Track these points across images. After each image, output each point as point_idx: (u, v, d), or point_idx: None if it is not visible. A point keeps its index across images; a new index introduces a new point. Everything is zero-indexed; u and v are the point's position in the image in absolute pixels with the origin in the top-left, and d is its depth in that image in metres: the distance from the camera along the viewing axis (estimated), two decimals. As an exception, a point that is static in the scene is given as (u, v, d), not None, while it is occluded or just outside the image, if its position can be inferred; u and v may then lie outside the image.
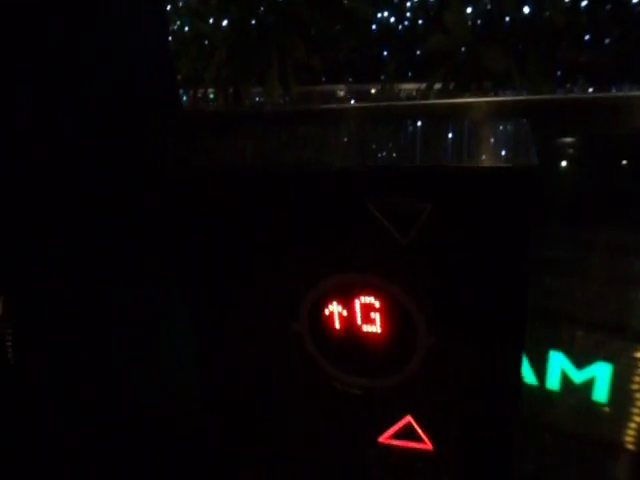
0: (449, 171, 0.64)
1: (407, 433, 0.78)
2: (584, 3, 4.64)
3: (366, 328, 0.74)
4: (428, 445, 0.78)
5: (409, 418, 0.77)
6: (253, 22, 3.62)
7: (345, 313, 0.74)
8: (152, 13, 1.22)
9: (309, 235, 0.72)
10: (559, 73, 4.46)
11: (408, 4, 5.19)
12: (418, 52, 4.12)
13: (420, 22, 4.35)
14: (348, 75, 4.24)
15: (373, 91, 4.20)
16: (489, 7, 4.03)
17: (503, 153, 0.72)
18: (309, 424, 0.82)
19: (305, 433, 0.83)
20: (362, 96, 3.99)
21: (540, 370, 1.26)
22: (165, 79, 1.26)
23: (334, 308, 0.74)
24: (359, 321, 0.74)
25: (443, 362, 0.72)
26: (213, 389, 0.86)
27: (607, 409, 2.58)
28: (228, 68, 3.78)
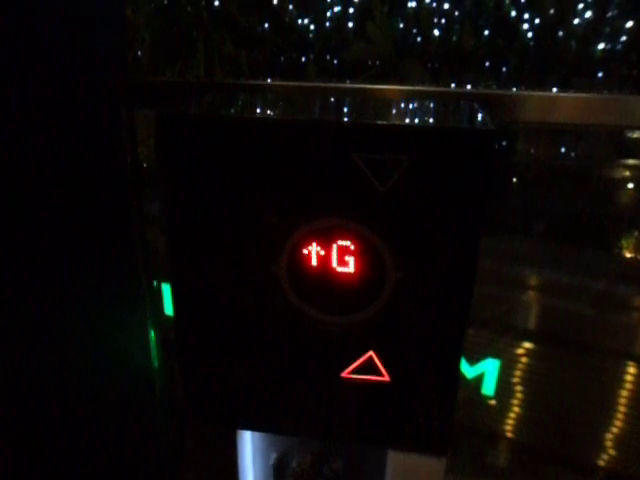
0: (426, 129, 0.75)
1: (368, 368, 0.88)
2: (486, 32, 5.10)
3: (340, 269, 0.83)
4: (386, 378, 0.88)
5: (371, 353, 0.87)
6: (182, 9, 3.60)
7: (322, 253, 0.82)
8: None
9: (294, 182, 0.80)
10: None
11: (329, 13, 5.40)
12: (339, 58, 4.30)
13: (342, 29, 4.55)
14: (271, 74, 4.33)
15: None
16: (406, 24, 4.31)
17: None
18: (278, 359, 0.90)
19: (274, 367, 0.91)
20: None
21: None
22: (117, 48, 1.28)
23: (313, 249, 0.82)
24: (334, 263, 0.83)
25: (405, 298, 0.83)
26: (191, 326, 0.91)
27: (493, 402, 2.86)
28: (150, 55, 3.72)
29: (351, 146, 0.75)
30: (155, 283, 1.48)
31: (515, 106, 1.00)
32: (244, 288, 0.86)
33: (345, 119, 0.84)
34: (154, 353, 1.43)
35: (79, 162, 1.18)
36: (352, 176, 0.77)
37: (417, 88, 1.03)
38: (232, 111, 0.96)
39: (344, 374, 0.89)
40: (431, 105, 0.92)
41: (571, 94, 1.01)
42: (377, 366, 0.88)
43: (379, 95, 1.04)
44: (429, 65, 4.37)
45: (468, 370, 2.55)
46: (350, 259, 0.82)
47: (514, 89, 1.03)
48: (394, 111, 0.92)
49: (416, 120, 0.82)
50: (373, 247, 0.81)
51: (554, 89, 1.06)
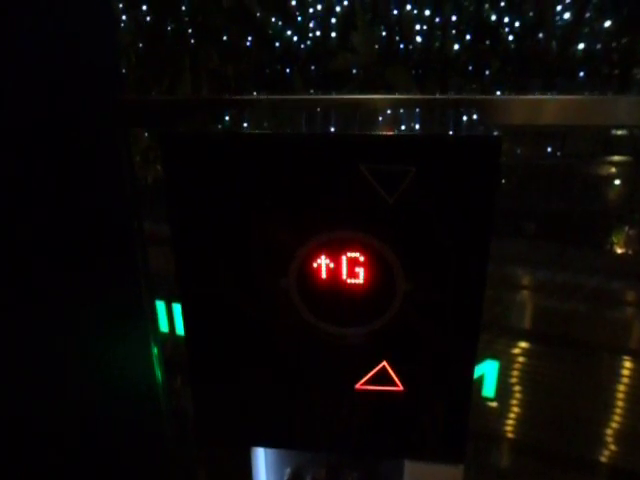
0: (431, 139, 0.75)
1: (382, 378, 0.88)
2: (468, 37, 5.17)
3: (350, 281, 0.83)
4: (400, 387, 0.88)
5: (384, 363, 0.87)
6: (167, 27, 3.61)
7: (332, 266, 0.82)
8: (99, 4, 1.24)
9: (302, 196, 0.80)
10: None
11: (311, 24, 5.43)
12: (324, 69, 4.33)
13: (325, 39, 4.58)
14: (257, 87, 4.35)
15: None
16: (389, 32, 4.35)
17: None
18: (291, 372, 0.90)
19: (286, 381, 0.90)
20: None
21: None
22: (110, 66, 1.28)
23: (322, 262, 0.82)
24: (344, 275, 0.83)
25: (416, 308, 0.83)
26: (202, 338, 0.90)
27: (494, 404, 2.86)
28: (137, 71, 3.72)
29: (358, 158, 0.76)
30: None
31: (501, 110, 1.01)
32: (254, 303, 0.86)
33: (350, 132, 0.85)
34: (157, 370, 1.43)
35: (78, 181, 1.18)
36: (360, 188, 0.77)
37: (403, 97, 1.05)
38: (224, 126, 0.97)
39: (358, 386, 0.89)
40: (416, 111, 0.94)
41: (555, 97, 1.02)
42: (391, 376, 0.88)
43: (366, 105, 1.05)
44: (413, 71, 4.42)
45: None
46: (360, 270, 0.82)
47: (498, 92, 1.04)
48: (386, 121, 0.93)
49: (417, 130, 0.83)
50: (382, 258, 0.81)
51: (537, 94, 1.07)
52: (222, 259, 0.84)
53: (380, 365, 0.87)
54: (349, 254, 0.82)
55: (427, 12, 4.84)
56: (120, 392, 1.33)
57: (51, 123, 1.10)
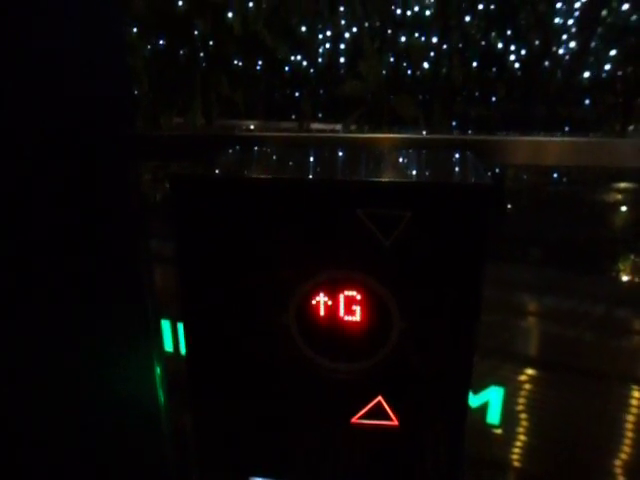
0: (426, 185, 0.79)
1: (377, 412, 0.91)
2: (475, 64, 5.25)
3: (347, 318, 0.86)
4: (395, 422, 0.91)
5: (379, 398, 0.90)
6: (179, 53, 3.71)
7: (330, 303, 0.85)
8: (112, 32, 1.30)
9: (302, 237, 0.83)
10: (454, 124, 4.98)
11: (320, 50, 5.55)
12: (332, 94, 4.42)
13: (334, 67, 4.68)
14: (266, 112, 4.43)
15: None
16: (396, 59, 4.44)
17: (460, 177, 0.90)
18: (289, 405, 0.92)
19: (284, 414, 0.93)
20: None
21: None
22: (123, 101, 1.33)
23: (321, 299, 0.86)
24: (342, 312, 0.86)
25: (411, 345, 0.86)
26: (202, 372, 0.93)
27: (499, 431, 2.85)
28: (149, 97, 3.81)
29: (356, 203, 0.79)
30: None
31: (505, 151, 1.04)
32: (255, 338, 0.89)
33: (348, 177, 0.88)
34: (159, 390, 1.45)
35: (85, 200, 1.22)
36: (357, 230, 0.80)
37: (408, 136, 1.08)
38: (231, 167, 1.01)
39: (353, 420, 0.92)
40: (423, 153, 0.97)
41: (559, 138, 1.05)
42: (386, 410, 0.90)
43: (371, 143, 1.08)
44: (420, 97, 4.50)
45: (472, 399, 2.55)
46: (357, 308, 0.85)
47: (502, 134, 1.08)
48: (389, 162, 0.97)
49: (414, 174, 0.86)
50: (379, 297, 0.84)
51: (542, 133, 1.11)
52: (225, 295, 0.88)
53: (375, 400, 0.90)
54: (346, 292, 0.85)
55: (434, 40, 4.94)
56: (121, 410, 1.35)
57: (61, 148, 1.15)
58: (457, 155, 0.98)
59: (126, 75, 1.37)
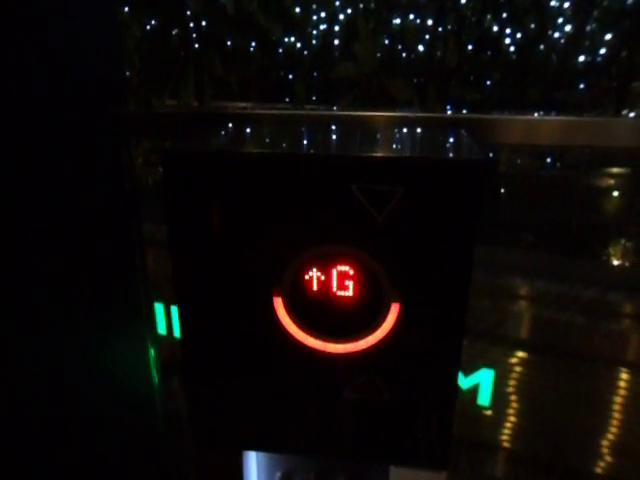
0: (419, 161, 0.79)
1: (368, 387, 0.92)
2: (470, 47, 5.22)
3: (340, 293, 0.87)
4: (386, 396, 0.92)
5: (371, 373, 0.91)
6: (171, 33, 3.67)
7: (323, 278, 0.86)
8: (104, 11, 1.28)
9: (296, 212, 0.83)
10: (449, 107, 4.97)
11: (315, 32, 5.49)
12: (327, 77, 4.39)
13: (328, 49, 4.64)
14: (260, 94, 4.40)
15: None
16: (391, 41, 4.41)
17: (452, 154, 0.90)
18: (281, 380, 0.93)
19: (277, 389, 0.94)
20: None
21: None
22: (115, 79, 1.32)
23: (314, 274, 0.86)
24: (334, 287, 0.87)
25: (404, 319, 0.86)
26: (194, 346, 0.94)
27: (489, 412, 2.89)
28: (140, 78, 3.77)
29: (350, 178, 0.79)
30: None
31: (499, 130, 1.04)
32: (248, 313, 0.90)
33: (350, 146, 0.88)
34: (153, 372, 1.46)
35: (78, 183, 1.21)
36: (351, 205, 0.81)
37: (403, 114, 1.08)
38: (226, 142, 1.01)
39: (345, 394, 0.93)
40: (418, 131, 0.97)
41: (554, 117, 1.05)
42: (377, 385, 0.91)
43: (366, 121, 1.08)
44: (415, 80, 4.48)
45: (462, 381, 2.58)
46: (349, 283, 0.86)
47: (496, 113, 1.08)
48: (384, 139, 0.97)
49: (408, 151, 0.86)
50: (371, 272, 0.85)
51: (536, 114, 1.10)
52: (217, 270, 0.88)
53: (367, 374, 0.91)
54: (339, 267, 0.85)
55: (429, 22, 4.90)
56: (116, 393, 1.36)
57: (53, 127, 1.14)
58: (451, 133, 0.98)
59: (118, 54, 1.36)
